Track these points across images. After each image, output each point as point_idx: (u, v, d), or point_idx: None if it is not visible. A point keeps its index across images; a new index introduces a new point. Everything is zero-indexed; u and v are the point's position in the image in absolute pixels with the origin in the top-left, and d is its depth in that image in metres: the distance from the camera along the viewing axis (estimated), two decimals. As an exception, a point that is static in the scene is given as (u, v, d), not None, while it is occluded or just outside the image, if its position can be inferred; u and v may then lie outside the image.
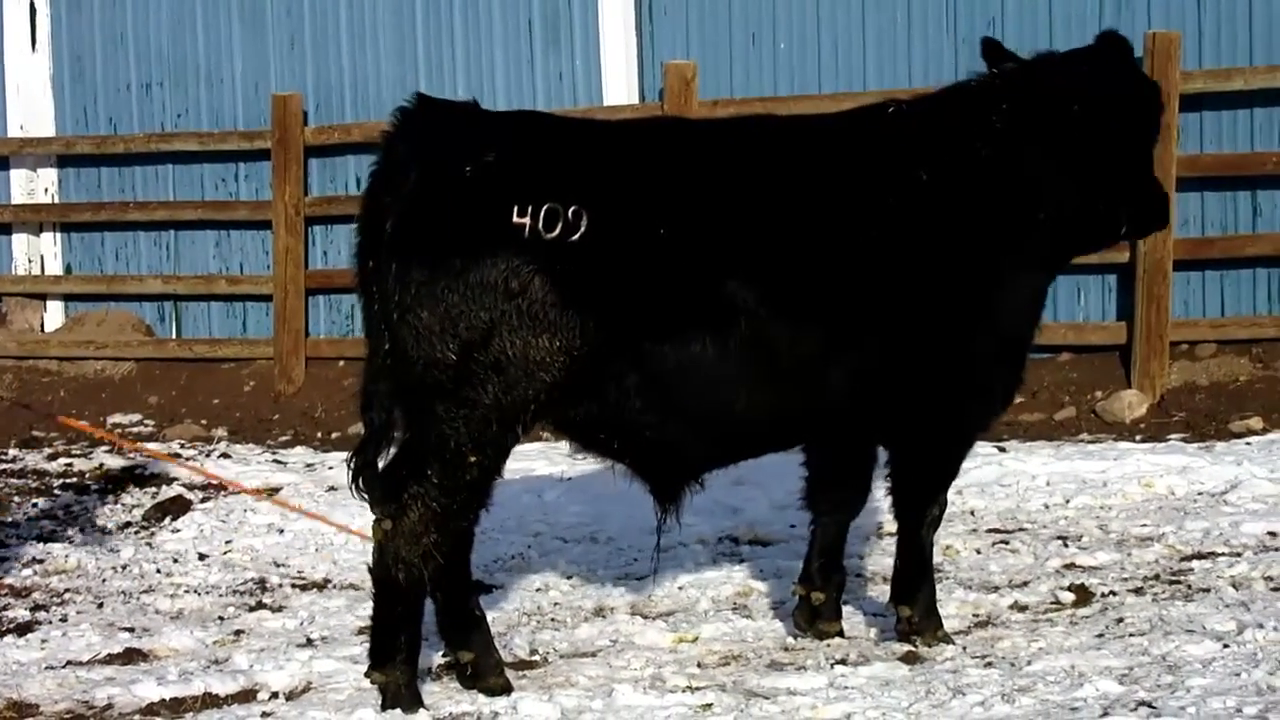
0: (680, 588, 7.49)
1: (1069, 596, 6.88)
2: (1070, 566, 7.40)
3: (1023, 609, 6.80)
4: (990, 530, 8.20)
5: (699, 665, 6.32)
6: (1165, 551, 7.50)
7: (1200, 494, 8.61)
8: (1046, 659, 5.94)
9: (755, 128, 6.22)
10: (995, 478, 9.10)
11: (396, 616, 5.73)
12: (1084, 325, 11.80)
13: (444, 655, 6.26)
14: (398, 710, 5.73)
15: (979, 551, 7.81)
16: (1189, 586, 6.88)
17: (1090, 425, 10.96)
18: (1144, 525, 7.98)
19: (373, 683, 5.81)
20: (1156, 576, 7.11)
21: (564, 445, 11.38)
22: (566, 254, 5.49)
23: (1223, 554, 7.34)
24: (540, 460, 10.74)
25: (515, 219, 5.47)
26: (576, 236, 5.49)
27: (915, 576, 6.27)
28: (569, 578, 7.81)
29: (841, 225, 5.83)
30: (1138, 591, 6.89)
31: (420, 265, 5.49)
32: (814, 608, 6.50)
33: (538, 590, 7.62)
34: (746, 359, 5.69)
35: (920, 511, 6.21)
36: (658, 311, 5.62)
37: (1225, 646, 5.95)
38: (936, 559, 7.50)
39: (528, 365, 5.50)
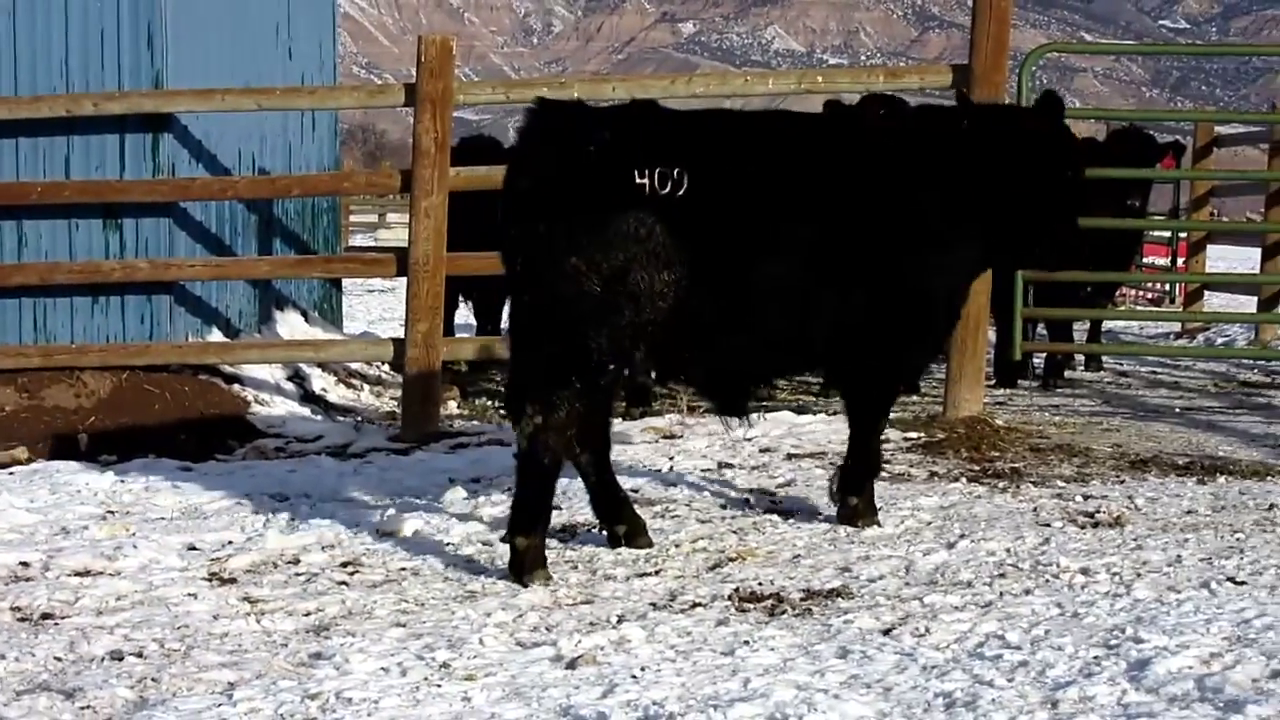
0: None
1: None
2: None
3: None
4: None
5: None
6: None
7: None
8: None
9: (797, 119, 7.63)
10: None
11: (539, 493, 7.01)
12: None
13: None
14: (536, 570, 6.96)
15: None
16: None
17: None
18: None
19: (515, 547, 7.00)
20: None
21: None
22: (676, 206, 6.86)
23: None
24: None
25: (637, 180, 6.82)
26: (682, 192, 6.86)
27: (863, 473, 7.87)
28: None
29: (840, 202, 7.33)
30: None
31: (568, 224, 6.79)
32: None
33: None
34: (775, 292, 7.15)
35: (874, 424, 7.87)
36: (729, 251, 7.04)
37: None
38: None
39: (653, 294, 6.86)
